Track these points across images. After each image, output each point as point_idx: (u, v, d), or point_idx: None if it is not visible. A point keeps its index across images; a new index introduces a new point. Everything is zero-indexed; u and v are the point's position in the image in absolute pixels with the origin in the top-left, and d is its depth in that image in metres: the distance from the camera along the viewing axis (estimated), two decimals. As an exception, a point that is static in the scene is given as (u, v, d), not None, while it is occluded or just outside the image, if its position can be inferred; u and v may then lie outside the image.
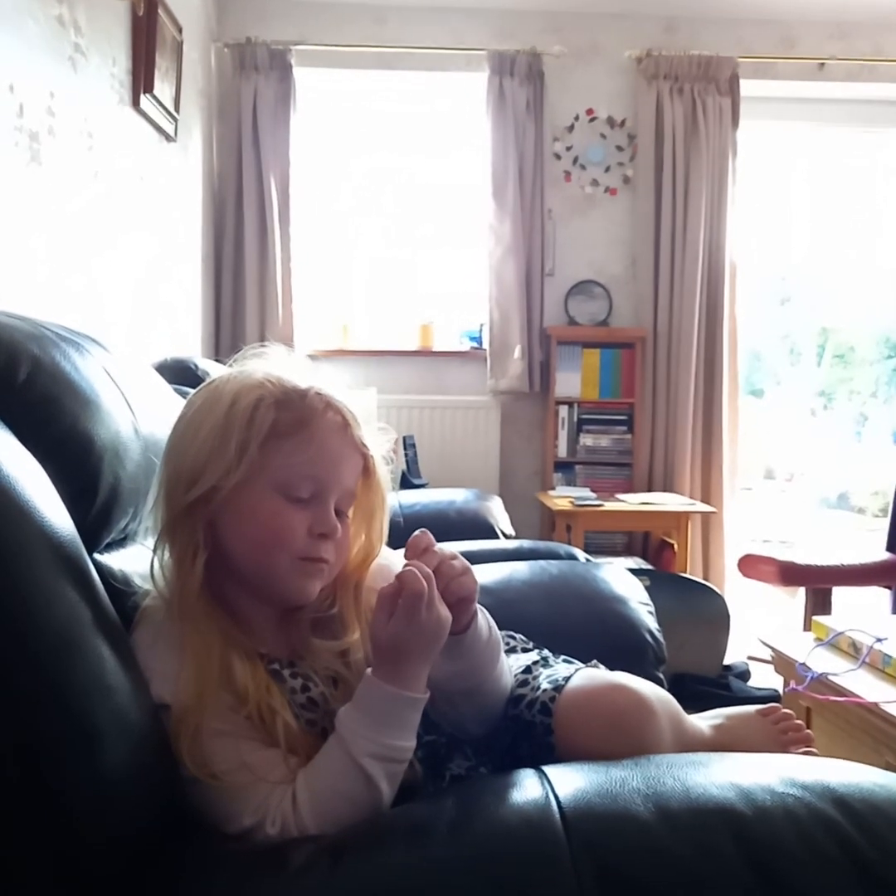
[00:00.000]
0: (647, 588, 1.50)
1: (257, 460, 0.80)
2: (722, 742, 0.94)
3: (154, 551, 0.84)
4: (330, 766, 0.77)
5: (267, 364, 0.86)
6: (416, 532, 0.80)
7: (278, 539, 0.81)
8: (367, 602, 0.87)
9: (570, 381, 3.67)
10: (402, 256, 3.88)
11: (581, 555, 1.92)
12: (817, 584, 2.68)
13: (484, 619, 0.86)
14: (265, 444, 0.81)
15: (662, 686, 1.05)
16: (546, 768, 0.73)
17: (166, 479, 0.83)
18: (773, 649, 1.80)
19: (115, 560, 0.89)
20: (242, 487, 0.81)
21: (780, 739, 0.95)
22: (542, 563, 1.59)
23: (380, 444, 0.89)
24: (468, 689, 0.87)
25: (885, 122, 3.92)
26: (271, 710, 0.79)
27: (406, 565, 0.76)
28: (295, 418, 0.82)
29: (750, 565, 2.79)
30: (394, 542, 0.97)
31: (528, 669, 0.95)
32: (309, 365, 0.89)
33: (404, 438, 3.39)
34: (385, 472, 0.90)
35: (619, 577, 1.51)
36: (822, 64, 3.69)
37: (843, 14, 3.64)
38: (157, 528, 0.84)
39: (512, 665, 0.96)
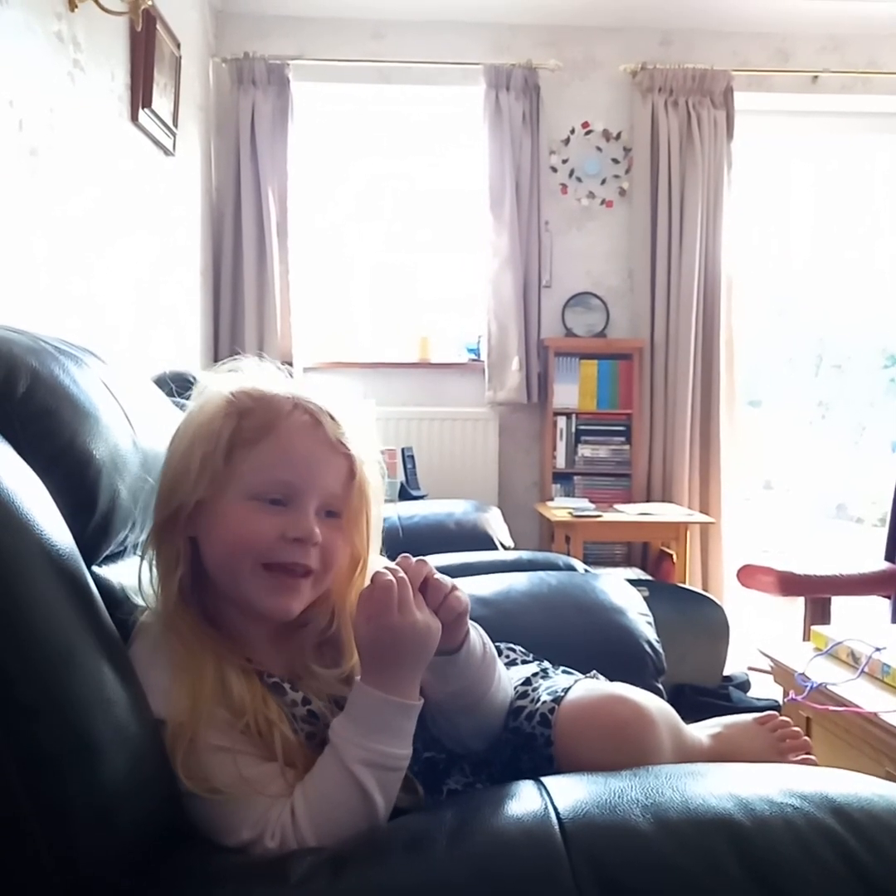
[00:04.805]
0: (646, 599, 1.50)
1: (224, 472, 0.80)
2: (720, 751, 0.93)
3: (140, 565, 0.85)
4: (324, 776, 0.77)
5: (239, 376, 0.86)
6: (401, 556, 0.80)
7: (244, 542, 0.80)
8: None
9: (567, 393, 3.68)
10: (400, 267, 3.90)
11: (580, 566, 1.92)
12: (816, 594, 2.68)
13: (478, 636, 0.86)
14: (231, 455, 0.81)
15: (661, 697, 1.05)
16: (545, 779, 0.73)
17: (156, 494, 0.84)
18: (773, 659, 1.80)
19: (114, 573, 0.89)
20: (216, 500, 0.81)
21: (779, 747, 0.95)
22: (540, 574, 1.59)
23: (368, 445, 0.86)
24: (466, 707, 0.87)
25: (879, 134, 3.95)
26: (268, 723, 0.78)
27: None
28: (259, 424, 0.81)
29: (749, 575, 2.79)
30: (392, 555, 0.97)
31: (527, 681, 0.95)
32: (283, 371, 0.88)
33: (403, 450, 3.39)
34: (373, 474, 0.86)
35: (618, 587, 1.51)
36: (816, 76, 3.71)
37: (837, 27, 3.66)
38: (145, 542, 0.85)
39: (512, 677, 0.96)
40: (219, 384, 0.85)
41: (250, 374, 0.87)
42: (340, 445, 0.83)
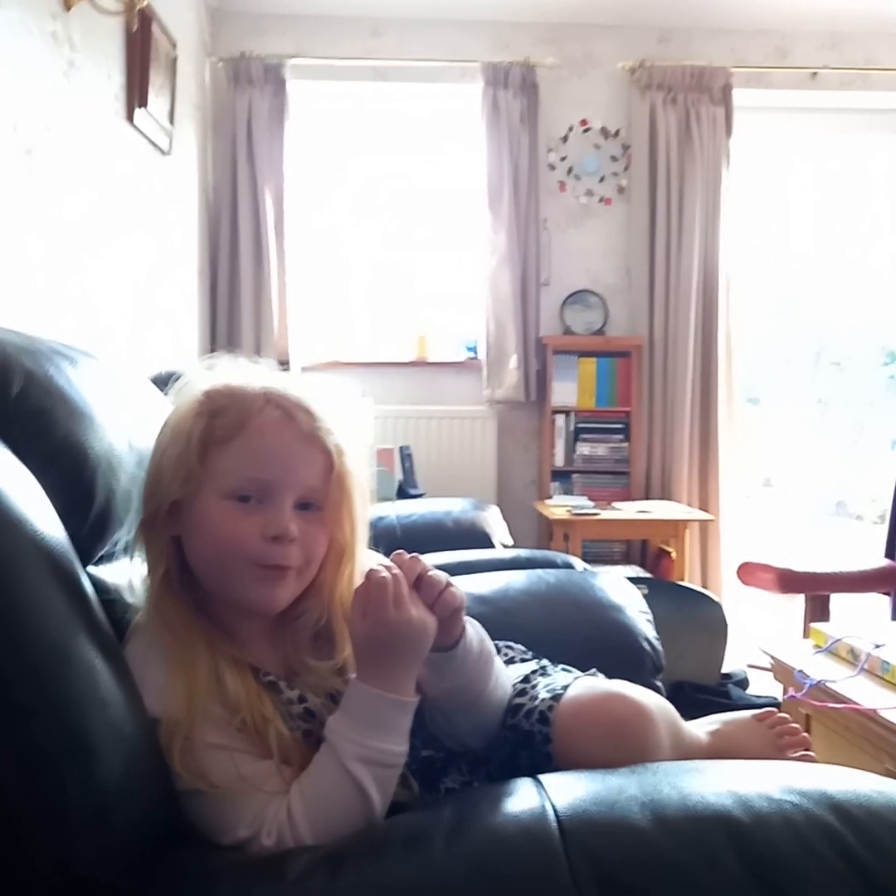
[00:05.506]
0: (645, 596, 1.49)
1: (199, 472, 0.80)
2: (719, 748, 0.93)
3: (130, 563, 0.85)
4: (321, 773, 0.77)
5: (216, 373, 0.86)
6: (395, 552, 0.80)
7: (230, 546, 0.80)
8: None
9: (566, 391, 3.67)
10: (398, 265, 3.89)
11: (579, 563, 1.92)
12: (816, 591, 2.68)
13: (474, 632, 0.86)
14: (205, 454, 0.80)
15: (660, 694, 1.05)
16: (542, 777, 0.73)
17: (142, 494, 0.85)
18: (772, 657, 1.80)
19: (109, 573, 0.89)
20: (194, 500, 0.81)
21: (777, 744, 0.95)
22: (539, 572, 1.58)
23: (349, 437, 0.85)
24: (464, 705, 0.86)
25: (877, 131, 3.95)
26: (264, 719, 0.78)
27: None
28: (231, 422, 0.81)
29: (748, 573, 2.79)
30: (390, 553, 0.97)
31: (526, 678, 0.95)
32: (259, 367, 0.87)
33: (401, 448, 3.39)
34: (355, 466, 0.85)
35: (617, 585, 1.51)
36: (815, 73, 3.71)
37: (836, 24, 3.66)
38: (133, 541, 0.85)
39: (511, 675, 0.95)
40: (196, 382, 0.85)
41: (226, 371, 0.86)
42: (316, 439, 0.82)
